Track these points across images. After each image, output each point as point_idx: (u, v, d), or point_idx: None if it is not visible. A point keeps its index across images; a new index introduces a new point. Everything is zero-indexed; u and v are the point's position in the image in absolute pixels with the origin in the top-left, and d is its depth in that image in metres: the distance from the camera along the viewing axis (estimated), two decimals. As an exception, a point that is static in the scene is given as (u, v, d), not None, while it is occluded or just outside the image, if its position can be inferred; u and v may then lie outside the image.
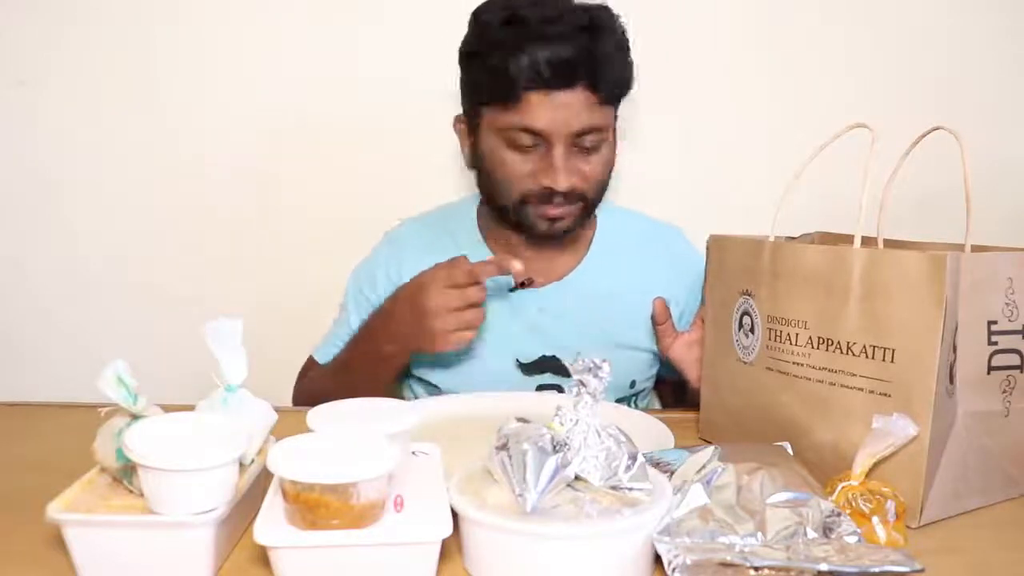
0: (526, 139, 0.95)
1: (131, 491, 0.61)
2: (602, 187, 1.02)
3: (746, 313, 0.82)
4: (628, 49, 0.98)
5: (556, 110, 0.93)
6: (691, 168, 1.36)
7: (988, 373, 0.71)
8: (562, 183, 0.95)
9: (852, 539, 0.58)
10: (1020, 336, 0.72)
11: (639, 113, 1.28)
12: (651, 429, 0.86)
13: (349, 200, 1.36)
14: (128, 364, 0.62)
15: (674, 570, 0.55)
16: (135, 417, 0.62)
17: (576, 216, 1.01)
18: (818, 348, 0.75)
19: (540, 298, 1.08)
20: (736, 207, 1.20)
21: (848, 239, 0.80)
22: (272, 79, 1.32)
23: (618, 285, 1.09)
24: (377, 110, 1.33)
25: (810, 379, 0.75)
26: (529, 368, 1.07)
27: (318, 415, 0.68)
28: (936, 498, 0.69)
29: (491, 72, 0.93)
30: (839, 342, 0.73)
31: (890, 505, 0.64)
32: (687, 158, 1.35)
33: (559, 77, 0.91)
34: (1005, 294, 0.71)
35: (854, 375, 0.72)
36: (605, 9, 0.96)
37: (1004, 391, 0.73)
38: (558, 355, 1.07)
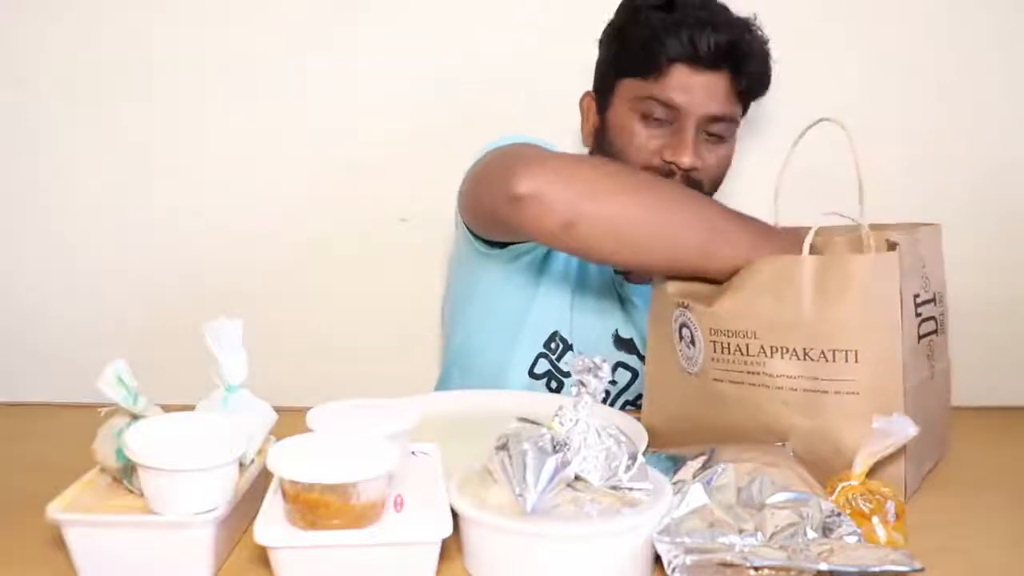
0: (660, 112, 0.97)
1: (131, 491, 0.61)
2: (718, 183, 1.04)
3: (684, 325, 0.81)
4: (770, 57, 1.01)
5: (696, 88, 0.95)
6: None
7: (918, 342, 0.74)
8: (686, 160, 0.96)
9: (852, 539, 0.58)
10: (933, 303, 0.77)
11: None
12: (626, 429, 0.85)
13: (349, 200, 1.36)
14: (128, 364, 0.62)
15: (674, 570, 0.55)
16: (135, 417, 0.62)
17: None
18: (771, 356, 0.74)
19: (637, 293, 1.10)
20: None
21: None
22: (272, 78, 1.32)
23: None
24: (380, 110, 1.33)
25: (767, 387, 0.74)
26: (620, 344, 1.10)
27: (318, 415, 0.69)
28: (911, 472, 0.73)
29: (642, 41, 0.96)
30: (794, 349, 0.72)
31: (890, 505, 0.64)
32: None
33: (708, 55, 0.94)
34: (920, 269, 0.75)
35: (815, 379, 0.72)
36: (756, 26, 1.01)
37: (928, 356, 0.76)
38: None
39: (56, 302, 1.37)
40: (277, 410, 0.69)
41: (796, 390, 0.73)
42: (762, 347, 0.74)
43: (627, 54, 0.99)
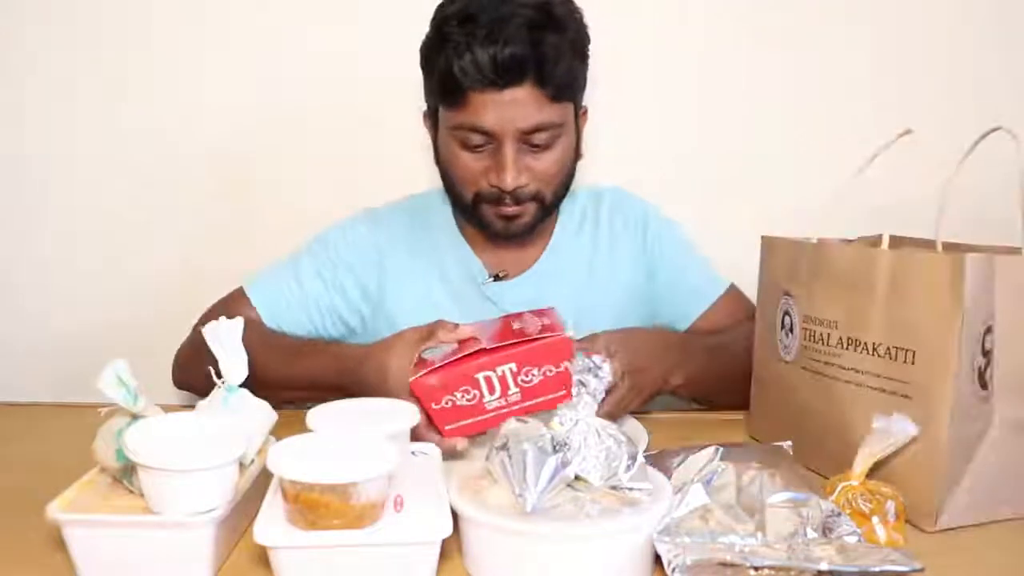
0: (476, 138, 0.95)
1: (131, 491, 0.61)
2: (560, 183, 1.01)
3: (787, 313, 0.84)
4: (582, 46, 0.97)
5: (502, 109, 0.92)
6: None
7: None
8: (509, 182, 0.95)
9: (852, 539, 0.58)
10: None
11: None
12: (626, 429, 0.85)
13: (349, 201, 1.35)
14: (128, 364, 0.62)
15: (674, 570, 0.55)
16: (135, 417, 0.62)
17: (534, 214, 1.00)
18: (847, 348, 0.75)
19: (514, 289, 1.07)
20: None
21: (914, 242, 0.84)
22: (271, 78, 1.32)
23: (585, 261, 1.09)
24: (381, 110, 1.33)
25: (838, 379, 0.76)
26: None
27: (318, 415, 0.69)
28: (959, 504, 0.68)
29: (439, 74, 0.94)
30: (865, 343, 0.74)
31: (890, 505, 0.64)
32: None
33: (502, 76, 0.91)
34: (988, 296, 0.68)
35: (877, 376, 0.72)
36: (562, 4, 0.95)
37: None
38: None
39: (56, 302, 1.37)
40: (277, 410, 0.69)
41: (861, 386, 0.74)
42: (840, 339, 0.76)
43: (435, 84, 0.96)
